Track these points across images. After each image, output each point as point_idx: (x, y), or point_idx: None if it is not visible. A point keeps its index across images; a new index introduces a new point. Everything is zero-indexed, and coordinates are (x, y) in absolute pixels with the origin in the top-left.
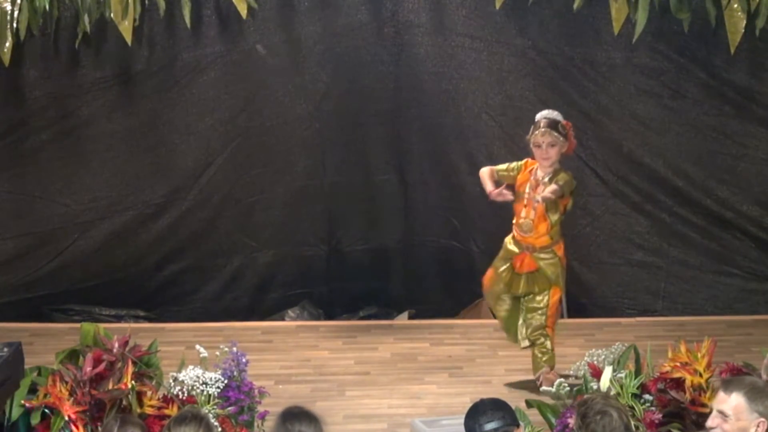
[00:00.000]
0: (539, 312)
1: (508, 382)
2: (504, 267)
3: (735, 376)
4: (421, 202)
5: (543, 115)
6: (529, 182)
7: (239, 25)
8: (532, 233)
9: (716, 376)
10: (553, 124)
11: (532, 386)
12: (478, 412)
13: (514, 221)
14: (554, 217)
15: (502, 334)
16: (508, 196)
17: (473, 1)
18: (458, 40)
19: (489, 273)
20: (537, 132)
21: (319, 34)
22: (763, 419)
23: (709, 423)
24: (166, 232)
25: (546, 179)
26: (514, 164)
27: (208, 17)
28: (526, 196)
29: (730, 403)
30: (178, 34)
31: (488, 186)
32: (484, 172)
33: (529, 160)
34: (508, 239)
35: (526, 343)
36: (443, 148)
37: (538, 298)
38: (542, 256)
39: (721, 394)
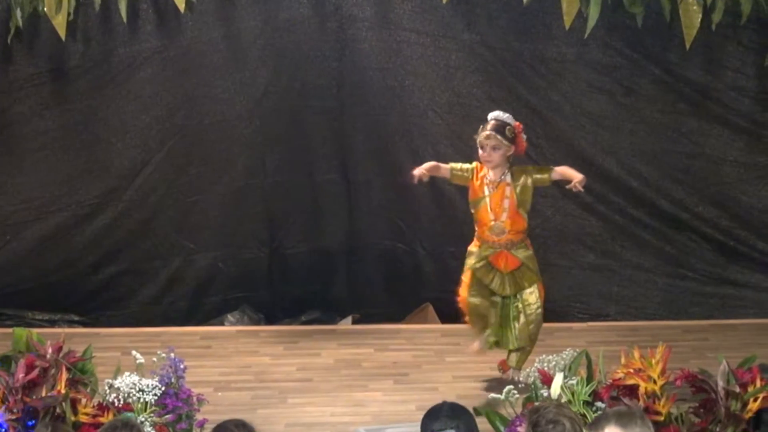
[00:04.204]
0: (534, 305)
1: (456, 389)
2: (484, 271)
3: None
4: (365, 203)
5: (493, 116)
6: (487, 186)
7: (177, 19)
8: (506, 234)
9: (669, 384)
10: (500, 128)
11: (480, 393)
12: (432, 416)
13: (478, 229)
14: (526, 212)
15: (449, 339)
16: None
17: None
18: (404, 35)
19: (465, 284)
20: (483, 133)
21: (260, 28)
22: None
23: None
24: (102, 234)
25: (507, 178)
26: (467, 166)
27: (145, 11)
28: (488, 199)
29: None
30: (114, 28)
31: (422, 168)
32: (431, 163)
33: (478, 164)
34: (472, 248)
35: (521, 343)
36: (388, 146)
37: (529, 290)
38: (520, 251)
39: None
